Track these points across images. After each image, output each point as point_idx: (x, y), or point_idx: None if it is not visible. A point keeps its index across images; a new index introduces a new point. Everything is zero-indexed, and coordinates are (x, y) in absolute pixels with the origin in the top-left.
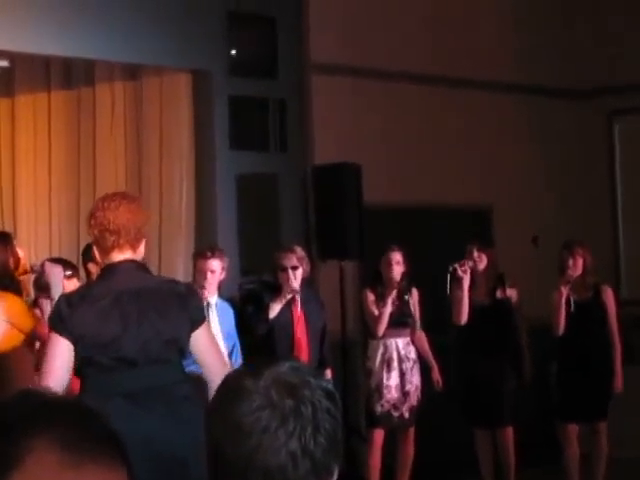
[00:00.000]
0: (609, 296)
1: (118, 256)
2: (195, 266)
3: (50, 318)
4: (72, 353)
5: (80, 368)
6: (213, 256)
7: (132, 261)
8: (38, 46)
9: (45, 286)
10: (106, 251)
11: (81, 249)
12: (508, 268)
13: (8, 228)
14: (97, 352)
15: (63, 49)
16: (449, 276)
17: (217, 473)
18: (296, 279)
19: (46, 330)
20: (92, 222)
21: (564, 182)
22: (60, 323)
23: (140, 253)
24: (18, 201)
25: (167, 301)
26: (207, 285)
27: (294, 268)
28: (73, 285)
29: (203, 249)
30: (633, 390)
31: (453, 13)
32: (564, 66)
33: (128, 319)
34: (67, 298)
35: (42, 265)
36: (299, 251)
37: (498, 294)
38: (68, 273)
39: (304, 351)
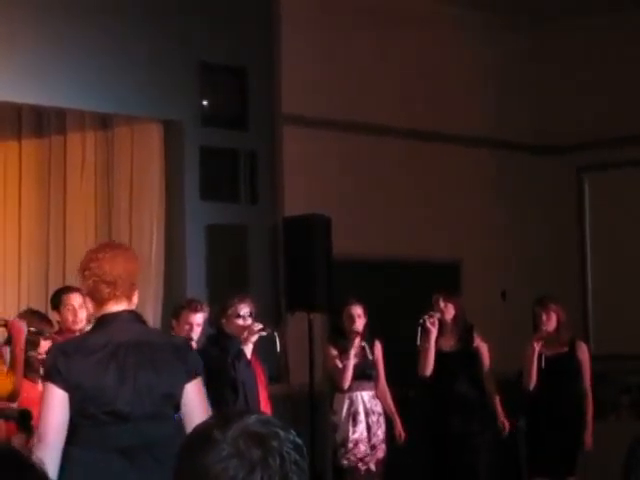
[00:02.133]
0: (584, 351)
1: (114, 307)
2: (180, 318)
3: (45, 368)
4: (67, 404)
5: (71, 418)
6: (202, 309)
7: (129, 312)
8: (9, 94)
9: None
10: (101, 302)
11: (49, 297)
12: (477, 322)
13: None
14: (91, 404)
15: (34, 97)
16: (419, 328)
17: None
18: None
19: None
20: (86, 273)
21: (533, 237)
22: (56, 373)
23: (134, 303)
24: None
25: (164, 355)
26: (194, 337)
27: (249, 315)
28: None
29: (192, 302)
30: (600, 445)
31: (424, 67)
32: (533, 121)
33: (125, 373)
34: (62, 348)
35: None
36: (250, 300)
37: (466, 344)
38: (32, 329)
39: (264, 399)
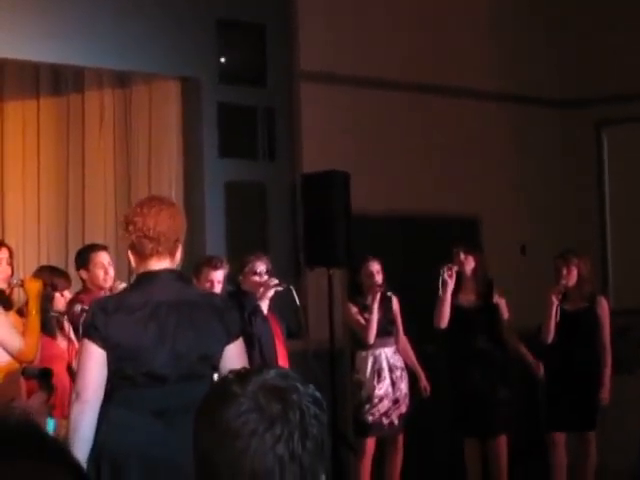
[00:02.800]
0: (604, 307)
1: (156, 264)
2: (201, 276)
3: (84, 325)
4: (105, 363)
5: (109, 378)
6: (222, 266)
7: (170, 270)
8: (27, 52)
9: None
10: (144, 258)
11: (69, 254)
12: (496, 277)
13: None
14: (129, 365)
15: (52, 56)
16: (440, 280)
17: (205, 477)
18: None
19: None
20: (130, 228)
21: (553, 191)
22: (95, 331)
23: (177, 260)
24: (6, 208)
25: (204, 315)
26: None
27: (265, 272)
28: (64, 298)
29: (213, 259)
30: (620, 399)
31: (439, 22)
32: (551, 75)
33: (164, 333)
34: (102, 305)
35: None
36: (266, 258)
37: (486, 299)
38: (66, 293)
39: (282, 355)
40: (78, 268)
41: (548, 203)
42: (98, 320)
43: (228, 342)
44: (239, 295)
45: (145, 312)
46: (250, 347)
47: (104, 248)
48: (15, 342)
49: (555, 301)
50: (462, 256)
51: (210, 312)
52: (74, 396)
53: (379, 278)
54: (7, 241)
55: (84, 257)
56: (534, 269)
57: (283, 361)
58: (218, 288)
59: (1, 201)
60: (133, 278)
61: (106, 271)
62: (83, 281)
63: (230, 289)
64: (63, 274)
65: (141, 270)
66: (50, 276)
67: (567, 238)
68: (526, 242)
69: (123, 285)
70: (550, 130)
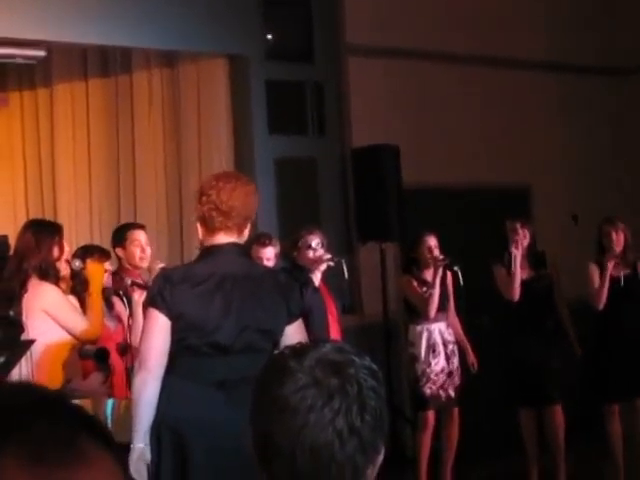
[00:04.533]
0: None
1: (223, 238)
2: (250, 253)
3: (149, 294)
4: (169, 331)
5: (172, 348)
6: (270, 244)
7: (236, 245)
8: (75, 35)
9: (84, 282)
10: (212, 231)
11: None
12: (547, 247)
13: (49, 216)
14: (193, 335)
15: (100, 37)
16: (512, 256)
17: (264, 453)
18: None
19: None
20: (203, 199)
21: (604, 161)
22: (160, 300)
23: (244, 237)
24: (58, 190)
25: (268, 290)
26: None
27: (319, 246)
28: (107, 272)
29: (261, 237)
30: None
31: None
32: (605, 44)
33: (230, 305)
34: (168, 276)
35: (82, 259)
36: (319, 232)
37: (540, 270)
38: (107, 265)
39: (335, 330)
40: (114, 246)
41: (597, 172)
42: (164, 290)
43: (290, 321)
44: (293, 270)
45: (211, 284)
46: (303, 319)
47: (141, 227)
48: (77, 321)
49: (610, 266)
50: (520, 231)
51: (274, 289)
52: (137, 365)
53: (437, 252)
54: (59, 222)
55: (121, 235)
56: (586, 239)
57: (336, 335)
58: (268, 265)
59: (53, 183)
60: (196, 254)
61: (143, 249)
62: (119, 259)
63: (284, 265)
64: (101, 250)
65: (207, 243)
66: (90, 255)
67: (618, 206)
68: (577, 212)
69: (161, 265)
70: (601, 98)
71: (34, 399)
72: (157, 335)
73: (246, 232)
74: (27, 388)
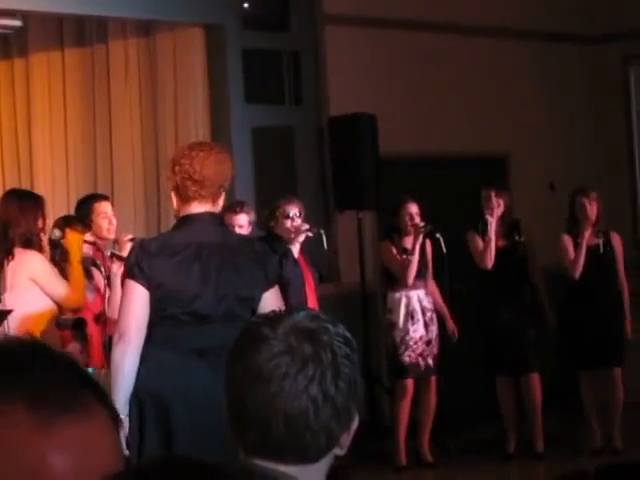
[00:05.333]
0: (617, 242)
1: (197, 207)
2: (223, 220)
3: (127, 265)
4: (148, 302)
5: (150, 319)
6: (242, 211)
7: (211, 214)
8: (50, 4)
9: (64, 252)
10: (186, 200)
11: None
12: (524, 215)
13: (25, 185)
14: (172, 304)
15: (75, 7)
16: (487, 223)
17: (239, 422)
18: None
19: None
20: (176, 169)
21: (580, 128)
22: (138, 270)
23: (218, 206)
24: (35, 160)
25: (245, 258)
26: None
27: (297, 216)
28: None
29: (232, 204)
30: None
31: None
32: (578, 11)
33: (208, 274)
34: (145, 246)
35: (61, 229)
36: (297, 201)
37: (514, 239)
38: (88, 236)
39: (312, 300)
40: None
41: (575, 140)
42: (142, 261)
43: (267, 288)
44: (270, 239)
45: (188, 253)
46: (281, 291)
47: (106, 198)
48: (60, 288)
49: (586, 235)
50: (494, 199)
51: (251, 257)
52: (117, 337)
53: (418, 220)
54: (36, 192)
55: (86, 207)
56: (562, 207)
57: (313, 305)
58: (239, 233)
59: (29, 153)
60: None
61: (110, 221)
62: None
63: (261, 234)
64: (79, 220)
65: (182, 213)
66: (70, 226)
67: (595, 174)
68: (555, 179)
69: (129, 237)
70: (578, 66)
71: (37, 350)
72: (135, 306)
73: (220, 201)
74: (31, 341)
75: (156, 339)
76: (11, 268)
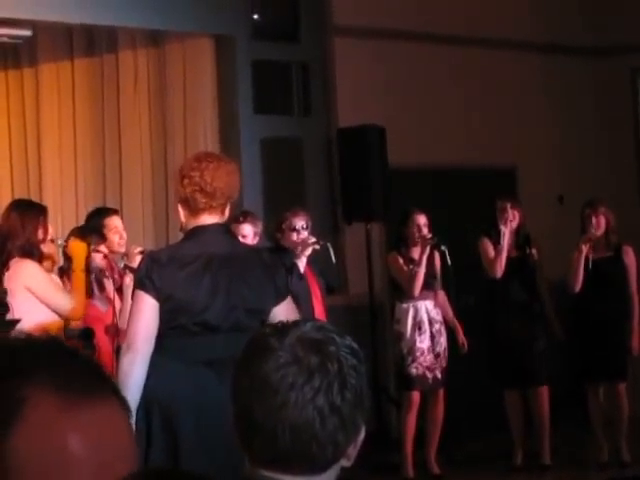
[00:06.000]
0: (630, 256)
1: (208, 219)
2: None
3: (136, 276)
4: (157, 313)
5: (160, 329)
6: (245, 221)
7: (221, 225)
8: (60, 14)
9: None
10: (195, 213)
11: None
12: (532, 228)
13: (34, 196)
14: (182, 315)
15: (85, 16)
16: (501, 232)
17: (245, 432)
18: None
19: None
20: (185, 182)
21: (588, 141)
22: (148, 282)
23: (226, 217)
24: (44, 169)
25: (255, 270)
26: None
27: (304, 228)
28: (99, 256)
29: (235, 214)
30: None
31: None
32: (584, 23)
33: (218, 285)
34: (155, 257)
35: (66, 240)
36: (304, 213)
37: (525, 251)
38: (102, 247)
39: (320, 312)
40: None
41: (584, 152)
42: (152, 272)
43: (277, 301)
44: (278, 252)
45: (198, 264)
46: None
47: (116, 212)
48: (62, 300)
49: (584, 249)
50: (510, 211)
51: (260, 269)
52: (125, 347)
53: (426, 231)
54: (45, 202)
55: (96, 222)
56: (571, 219)
57: (321, 318)
58: (244, 243)
59: (39, 162)
60: (181, 235)
61: (121, 235)
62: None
63: (268, 245)
64: (95, 230)
65: (191, 225)
66: (81, 236)
67: (604, 187)
68: (563, 192)
69: (139, 249)
70: (586, 79)
71: (60, 343)
72: (145, 317)
73: (227, 212)
74: (54, 336)
75: (165, 349)
76: (7, 279)
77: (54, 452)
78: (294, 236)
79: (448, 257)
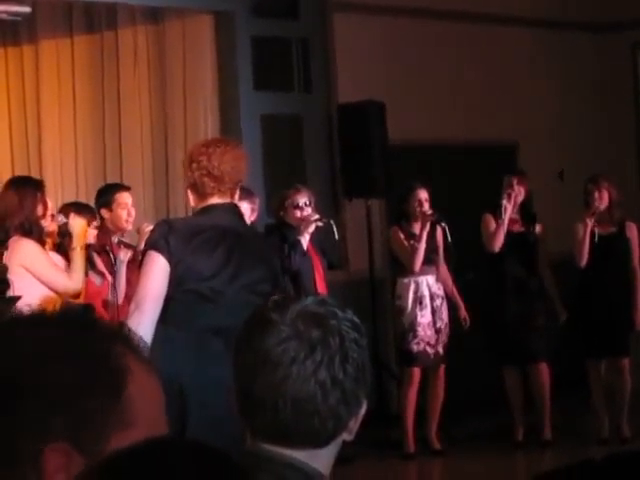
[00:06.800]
0: (633, 231)
1: (217, 201)
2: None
3: (151, 238)
4: (168, 276)
5: (168, 296)
6: (240, 198)
7: (231, 204)
8: None
9: (68, 235)
10: (204, 196)
11: None
12: (534, 203)
13: (34, 173)
14: (193, 279)
15: None
16: (502, 206)
17: (247, 406)
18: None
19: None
20: (194, 166)
21: (589, 116)
22: (164, 243)
23: (235, 200)
24: (44, 146)
25: (262, 249)
26: None
27: (306, 205)
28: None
29: None
30: None
31: None
32: (585, 0)
33: (230, 257)
34: (170, 223)
35: (66, 216)
36: (307, 190)
37: (529, 227)
38: (94, 224)
39: (322, 289)
40: (100, 206)
41: (584, 128)
42: (168, 235)
43: (274, 287)
44: (281, 228)
45: (213, 234)
46: (290, 282)
47: (128, 188)
48: (60, 278)
49: (589, 224)
50: (516, 186)
51: (264, 250)
52: (133, 306)
53: (427, 206)
54: (45, 179)
55: (107, 196)
56: (571, 195)
57: (322, 293)
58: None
59: (39, 139)
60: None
61: (129, 212)
62: (102, 219)
63: (271, 222)
64: (87, 207)
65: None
66: (76, 212)
67: (604, 163)
68: (563, 168)
69: (150, 227)
70: (587, 54)
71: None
72: (155, 277)
73: (236, 197)
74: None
75: (172, 317)
76: (6, 258)
77: (151, 395)
78: (297, 213)
79: (449, 233)
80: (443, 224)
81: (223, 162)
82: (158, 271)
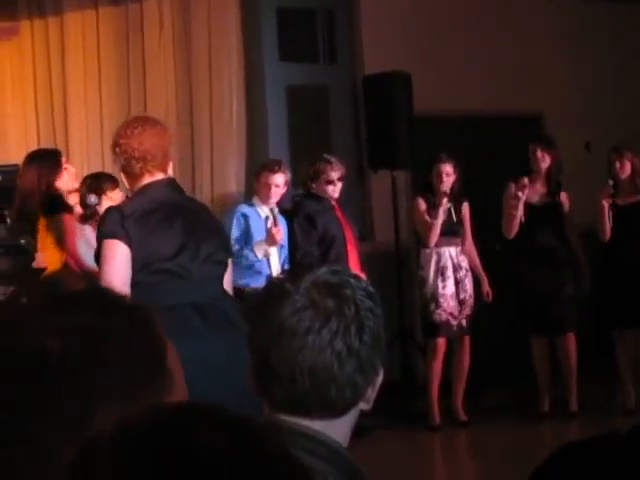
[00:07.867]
0: None
1: (149, 180)
2: (260, 179)
3: (104, 227)
4: (130, 261)
5: (134, 280)
6: (280, 170)
7: (165, 179)
8: None
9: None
10: (135, 178)
11: None
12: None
13: (60, 144)
14: (156, 259)
15: None
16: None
17: (264, 377)
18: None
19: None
20: (117, 150)
21: (616, 87)
22: (120, 229)
23: (170, 174)
24: (70, 118)
25: (211, 218)
26: (272, 198)
27: (339, 180)
28: (118, 196)
29: (270, 163)
30: None
31: None
32: None
33: (188, 232)
34: (120, 209)
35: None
36: (340, 166)
37: (555, 197)
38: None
39: (354, 258)
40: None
41: (612, 99)
42: (123, 221)
43: (228, 257)
44: (312, 198)
45: (165, 212)
46: (326, 246)
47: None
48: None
49: (605, 206)
50: (539, 153)
51: (215, 222)
52: None
53: (449, 180)
54: (71, 153)
55: (98, 185)
56: (598, 166)
57: (356, 260)
58: (276, 192)
59: (64, 111)
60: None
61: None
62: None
63: (300, 192)
64: (107, 176)
65: (136, 189)
66: (96, 182)
67: (631, 134)
68: (590, 138)
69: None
70: (611, 25)
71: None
72: (119, 264)
73: (170, 170)
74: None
75: (142, 293)
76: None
77: (177, 361)
78: (330, 189)
79: (453, 213)
80: (465, 203)
81: (142, 142)
82: (120, 258)
